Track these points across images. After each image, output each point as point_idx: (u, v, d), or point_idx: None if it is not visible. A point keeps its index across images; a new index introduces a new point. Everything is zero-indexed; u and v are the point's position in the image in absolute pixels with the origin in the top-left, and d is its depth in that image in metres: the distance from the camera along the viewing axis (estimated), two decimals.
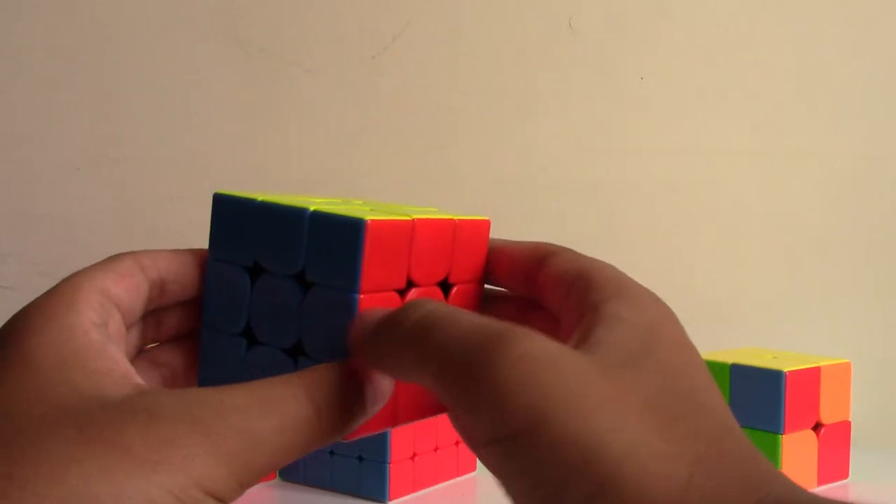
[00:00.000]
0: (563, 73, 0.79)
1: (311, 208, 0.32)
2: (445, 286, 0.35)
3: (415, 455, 0.61)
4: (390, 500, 0.60)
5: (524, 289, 0.34)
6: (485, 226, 0.35)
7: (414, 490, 0.61)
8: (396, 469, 0.60)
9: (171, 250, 0.34)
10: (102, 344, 0.28)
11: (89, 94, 0.75)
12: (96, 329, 0.29)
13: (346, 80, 0.77)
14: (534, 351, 0.25)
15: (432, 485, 0.63)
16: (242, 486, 0.26)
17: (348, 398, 0.29)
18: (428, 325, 0.27)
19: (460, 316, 0.27)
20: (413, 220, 0.32)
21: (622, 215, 0.79)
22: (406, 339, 0.27)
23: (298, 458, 0.28)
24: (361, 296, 0.31)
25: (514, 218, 0.77)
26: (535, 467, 0.24)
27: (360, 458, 0.60)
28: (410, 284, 0.33)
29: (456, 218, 0.34)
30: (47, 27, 0.75)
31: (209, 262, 0.34)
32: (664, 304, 0.30)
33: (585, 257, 0.32)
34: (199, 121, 0.76)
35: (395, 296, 0.32)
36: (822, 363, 0.62)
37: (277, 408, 0.27)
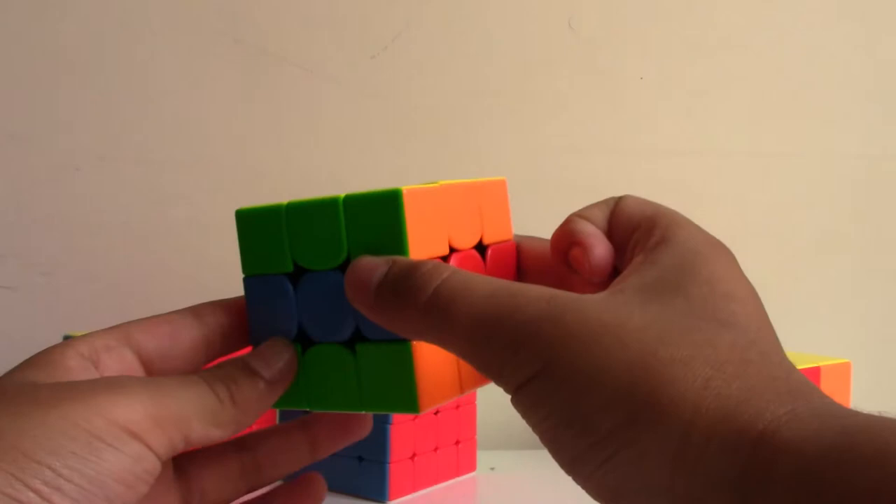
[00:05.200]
0: (563, 73, 0.79)
1: (342, 195, 0.32)
2: (481, 248, 0.35)
3: (415, 455, 0.61)
4: (390, 500, 0.60)
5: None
6: (502, 185, 0.36)
7: (414, 490, 0.61)
8: (396, 469, 0.60)
9: (236, 298, 0.35)
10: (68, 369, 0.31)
11: (89, 94, 0.75)
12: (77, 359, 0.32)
13: (346, 80, 0.77)
14: (548, 308, 0.27)
15: (432, 485, 0.63)
16: (160, 425, 0.29)
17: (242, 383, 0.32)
18: (446, 296, 0.29)
19: (475, 284, 0.29)
20: (440, 185, 0.32)
21: None
22: (426, 309, 0.29)
23: (212, 427, 0.30)
24: None
25: (513, 218, 0.77)
26: (559, 405, 0.26)
27: (360, 458, 0.60)
28: (452, 250, 0.33)
29: (476, 181, 0.35)
30: (47, 27, 0.75)
31: (245, 281, 0.34)
32: (718, 247, 0.31)
33: (650, 203, 0.33)
34: (198, 121, 0.76)
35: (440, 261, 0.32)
36: (822, 363, 0.62)
37: (178, 378, 0.31)
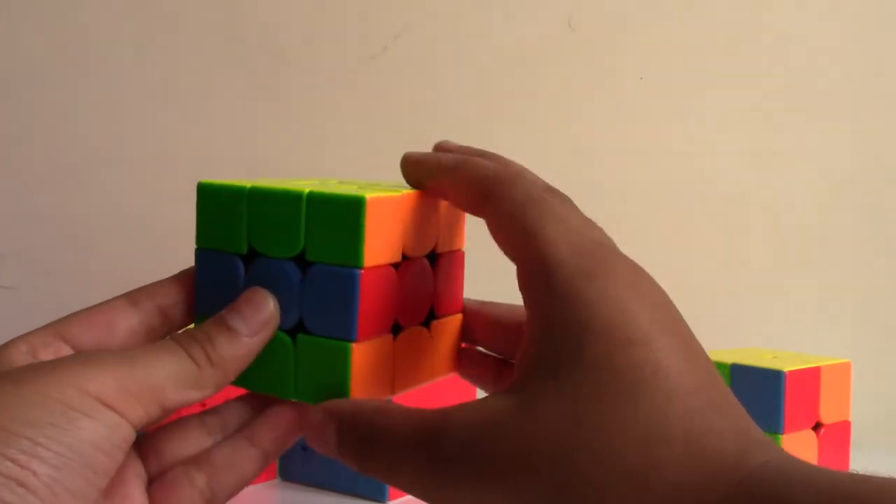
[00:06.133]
0: (563, 73, 0.79)
1: (307, 190, 0.32)
2: (432, 256, 0.36)
3: None
4: (390, 500, 0.60)
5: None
6: None
7: None
8: None
9: (172, 276, 0.35)
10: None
11: (89, 94, 0.75)
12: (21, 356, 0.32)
13: (346, 80, 0.77)
14: (463, 431, 0.28)
15: None
16: (133, 396, 0.29)
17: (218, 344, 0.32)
18: (371, 441, 0.30)
19: (396, 425, 0.30)
20: (404, 194, 0.33)
21: (621, 215, 0.79)
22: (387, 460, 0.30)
23: (189, 390, 0.31)
24: (363, 270, 0.31)
25: None
26: None
27: None
28: (404, 257, 0.34)
29: None
30: (47, 27, 0.75)
31: (197, 253, 0.34)
32: (601, 275, 0.29)
33: (520, 220, 0.32)
34: (199, 121, 0.76)
35: (391, 270, 0.33)
36: (822, 363, 0.62)
37: (152, 345, 0.31)
